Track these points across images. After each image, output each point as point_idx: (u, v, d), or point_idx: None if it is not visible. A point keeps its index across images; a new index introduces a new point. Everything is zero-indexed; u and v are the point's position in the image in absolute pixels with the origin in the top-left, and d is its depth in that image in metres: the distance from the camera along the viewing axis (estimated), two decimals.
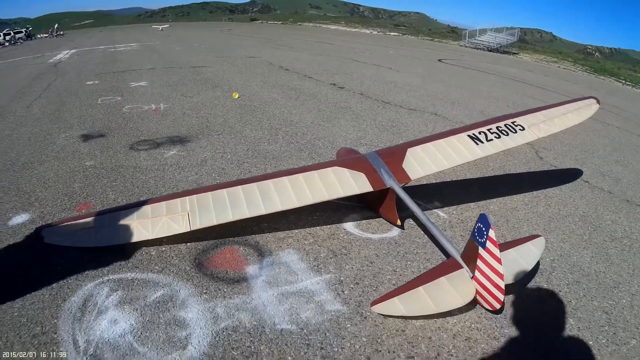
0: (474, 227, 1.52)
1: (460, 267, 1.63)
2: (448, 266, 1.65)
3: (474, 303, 1.62)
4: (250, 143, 3.88)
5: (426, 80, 8.38)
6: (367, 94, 6.36)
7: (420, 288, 1.55)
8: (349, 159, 2.30)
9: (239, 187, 2.07)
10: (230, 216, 1.94)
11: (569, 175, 3.61)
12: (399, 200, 2.17)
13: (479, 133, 2.45)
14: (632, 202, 3.16)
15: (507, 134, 2.47)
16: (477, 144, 2.38)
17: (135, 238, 1.93)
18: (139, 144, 3.87)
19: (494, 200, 2.87)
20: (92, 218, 2.05)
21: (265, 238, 2.22)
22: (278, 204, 1.98)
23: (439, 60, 14.27)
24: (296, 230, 2.30)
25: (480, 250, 1.49)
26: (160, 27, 41.72)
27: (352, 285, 1.87)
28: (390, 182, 2.15)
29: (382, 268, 2.01)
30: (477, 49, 29.06)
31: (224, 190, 2.04)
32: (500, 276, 1.44)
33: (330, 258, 2.06)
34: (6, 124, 4.87)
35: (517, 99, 7.21)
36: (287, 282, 1.87)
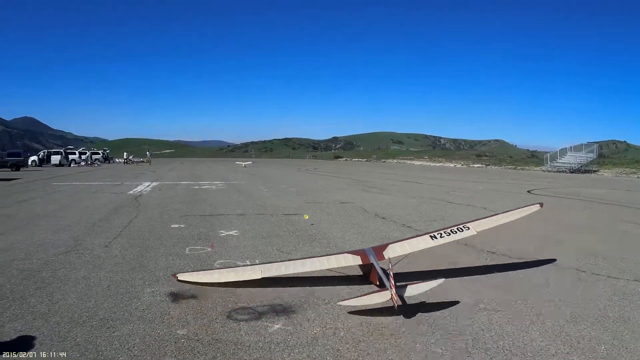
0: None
1: (387, 290, 4.06)
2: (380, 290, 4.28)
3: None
4: (363, 316, 4.13)
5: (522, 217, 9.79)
6: (471, 243, 7.13)
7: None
8: (356, 250, 5.35)
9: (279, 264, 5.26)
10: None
11: None
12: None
13: (437, 233, 5.35)
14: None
15: (456, 233, 5.34)
16: (433, 239, 5.24)
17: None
18: (238, 312, 4.23)
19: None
20: None
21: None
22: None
23: (528, 191, 19.14)
24: None
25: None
26: (244, 163, 52.16)
27: None
28: (373, 260, 4.90)
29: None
30: (560, 172, 37.54)
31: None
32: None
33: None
34: (82, 263, 5.88)
35: (614, 225, 10.20)
36: None
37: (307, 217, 9.86)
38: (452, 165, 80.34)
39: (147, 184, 18.83)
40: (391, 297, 3.99)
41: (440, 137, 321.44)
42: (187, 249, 6.80)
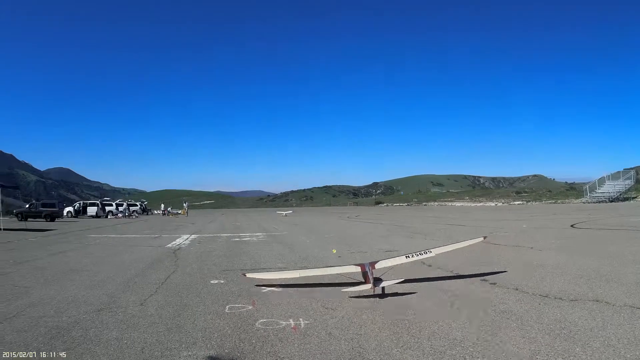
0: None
1: (370, 284, 6.82)
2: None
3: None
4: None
5: (570, 254, 11.10)
6: (521, 287, 7.44)
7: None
8: (359, 263, 7.59)
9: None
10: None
11: None
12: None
13: (410, 255, 7.76)
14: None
15: (421, 255, 7.78)
16: (407, 258, 7.69)
17: None
18: None
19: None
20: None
21: None
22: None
23: (572, 225, 20.26)
24: None
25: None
26: (285, 212, 54.21)
27: None
28: (367, 269, 7.05)
29: None
30: (600, 202, 40.10)
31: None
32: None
33: None
34: (115, 322, 5.69)
35: None
36: None
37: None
38: (492, 204, 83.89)
39: (186, 236, 19.02)
40: (371, 288, 6.76)
41: (479, 177, 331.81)
42: (227, 307, 6.52)
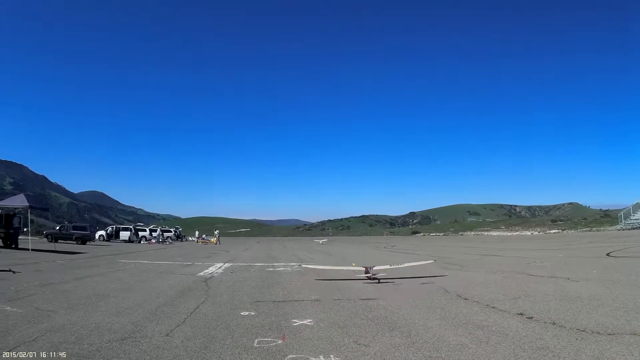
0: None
1: (370, 275, 13.40)
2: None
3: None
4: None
5: (606, 285, 11.38)
6: (559, 321, 7.43)
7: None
8: (365, 266, 14.24)
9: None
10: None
11: None
12: None
13: (393, 265, 15.38)
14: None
15: (396, 265, 15.31)
16: (391, 266, 14.90)
17: None
18: None
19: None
20: None
21: None
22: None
23: (607, 254, 20.82)
24: None
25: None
26: (321, 240, 58.12)
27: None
28: (369, 269, 13.66)
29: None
30: (635, 228, 40.21)
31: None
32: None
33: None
34: (137, 353, 5.62)
35: None
36: None
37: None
38: (529, 233, 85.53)
39: (219, 264, 19.13)
40: (369, 277, 12.91)
41: (515, 205, 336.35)
42: (255, 340, 6.38)
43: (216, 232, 68.22)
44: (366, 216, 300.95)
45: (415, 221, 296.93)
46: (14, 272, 13.60)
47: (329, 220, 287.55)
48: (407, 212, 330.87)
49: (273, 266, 19.12)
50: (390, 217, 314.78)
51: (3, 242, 28.00)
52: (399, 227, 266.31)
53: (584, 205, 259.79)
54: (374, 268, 13.36)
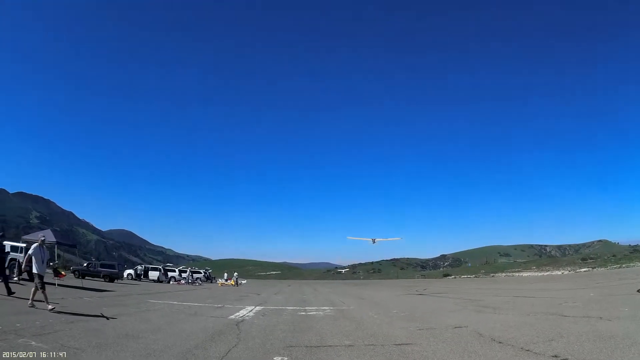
0: None
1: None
2: None
3: None
4: None
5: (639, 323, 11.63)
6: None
7: None
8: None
9: None
10: None
11: None
12: None
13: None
14: None
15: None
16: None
17: None
18: None
19: None
20: None
21: None
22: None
23: (638, 291, 21.04)
24: None
25: None
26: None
27: None
28: None
29: None
30: None
31: None
32: None
33: None
34: None
35: None
36: None
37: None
38: (559, 272, 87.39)
39: (250, 307, 18.80)
40: None
41: (545, 245, 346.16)
42: None
43: (235, 273, 68.50)
44: (397, 259, 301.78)
45: (446, 264, 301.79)
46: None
47: (360, 264, 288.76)
48: (438, 255, 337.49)
49: (305, 310, 18.75)
50: (421, 260, 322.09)
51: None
52: (430, 269, 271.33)
53: (613, 242, 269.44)
54: None
